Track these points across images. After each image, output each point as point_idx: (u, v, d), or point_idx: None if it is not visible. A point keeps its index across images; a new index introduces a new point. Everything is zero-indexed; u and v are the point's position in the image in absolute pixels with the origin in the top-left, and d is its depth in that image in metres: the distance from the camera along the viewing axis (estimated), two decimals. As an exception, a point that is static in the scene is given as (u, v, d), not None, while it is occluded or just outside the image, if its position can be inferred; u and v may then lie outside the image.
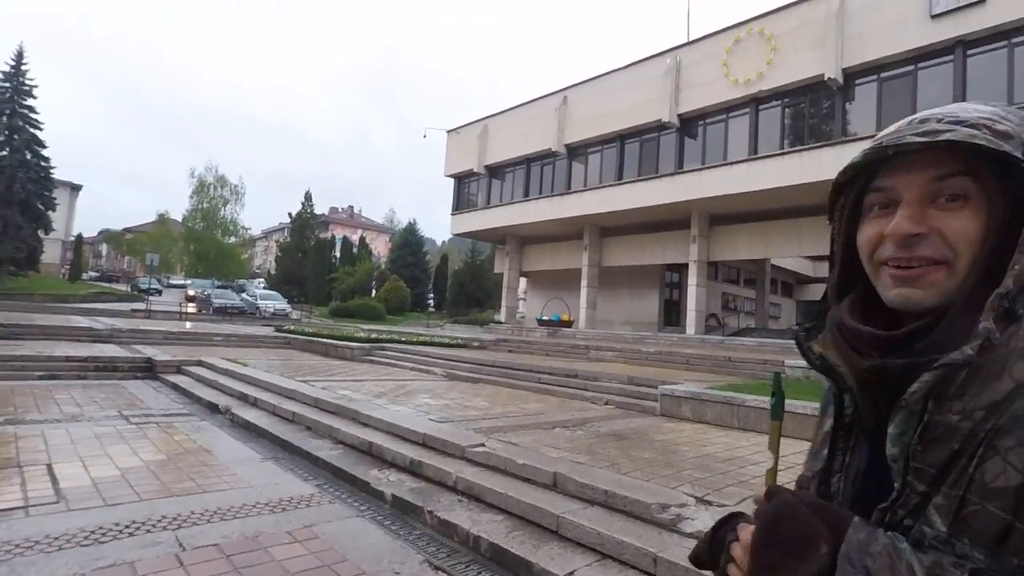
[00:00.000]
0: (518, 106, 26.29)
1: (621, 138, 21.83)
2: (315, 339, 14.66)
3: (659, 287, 25.71)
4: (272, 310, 28.49)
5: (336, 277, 42.78)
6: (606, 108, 21.90)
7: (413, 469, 4.48)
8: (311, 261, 46.39)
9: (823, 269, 35.81)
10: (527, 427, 5.59)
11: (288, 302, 33.85)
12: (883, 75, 15.52)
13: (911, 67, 15.03)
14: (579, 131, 23.14)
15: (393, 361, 12.27)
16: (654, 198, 20.35)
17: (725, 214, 20.28)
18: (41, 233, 35.10)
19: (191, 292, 34.15)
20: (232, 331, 16.41)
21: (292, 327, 18.55)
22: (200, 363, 9.94)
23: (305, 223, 51.07)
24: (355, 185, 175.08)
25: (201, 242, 39.88)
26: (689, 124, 19.77)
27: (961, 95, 14.09)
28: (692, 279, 21.02)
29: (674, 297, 26.75)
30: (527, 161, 26.00)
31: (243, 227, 43.30)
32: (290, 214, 52.91)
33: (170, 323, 18.39)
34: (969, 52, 14.14)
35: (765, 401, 6.06)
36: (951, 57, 14.34)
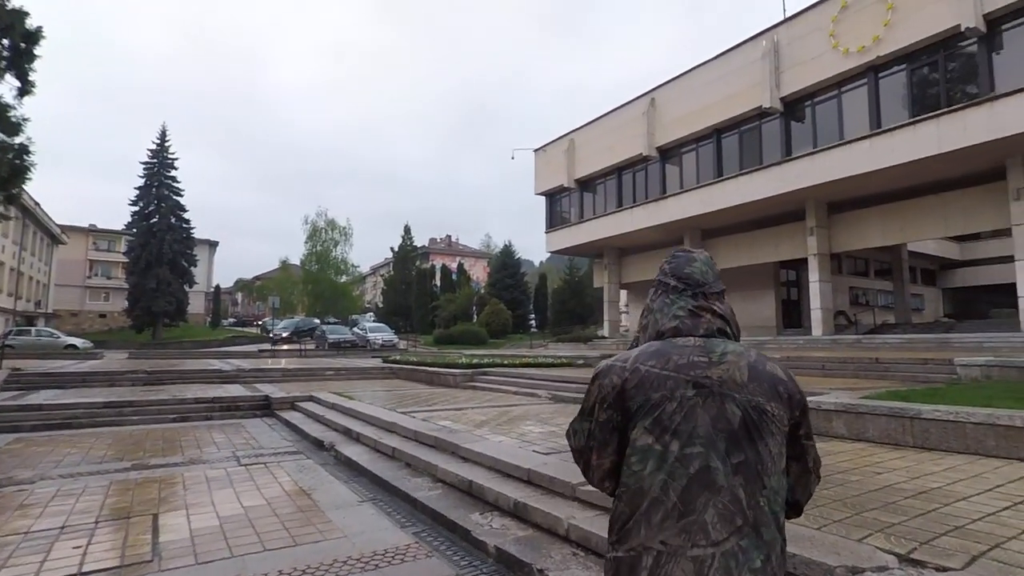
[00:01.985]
0: (603, 116, 25.62)
1: (717, 132, 20.42)
2: (418, 368, 14.70)
3: (774, 287, 23.57)
4: (381, 342, 29.56)
5: (438, 305, 43.93)
6: (697, 104, 20.65)
7: (518, 513, 3.91)
8: (414, 291, 48.11)
9: (975, 250, 31.29)
10: (647, 456, 4.85)
11: (395, 332, 35.07)
12: (1036, 14, 13.13)
13: (1073, -2, 12.58)
14: (670, 132, 21.99)
15: (496, 386, 11.89)
16: (760, 191, 18.71)
17: (846, 199, 18.15)
18: (187, 287, 39.51)
19: (281, 332, 34.07)
20: (343, 365, 16.95)
21: (398, 357, 18.89)
22: (312, 398, 10.12)
23: (406, 255, 53.23)
24: (451, 216, 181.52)
25: (317, 282, 42.78)
26: (794, 107, 18.04)
27: None
28: (813, 275, 18.97)
29: (792, 296, 24.42)
30: (618, 170, 25.16)
31: (353, 265, 46.03)
32: (392, 248, 55.47)
33: (288, 359, 19.43)
34: None
35: (948, 412, 4.86)
36: None
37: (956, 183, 16.04)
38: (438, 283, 51.51)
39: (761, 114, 18.60)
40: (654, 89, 22.59)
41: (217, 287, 53.56)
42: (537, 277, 54.82)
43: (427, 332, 41.98)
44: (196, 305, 48.07)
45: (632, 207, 24.08)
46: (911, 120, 15.02)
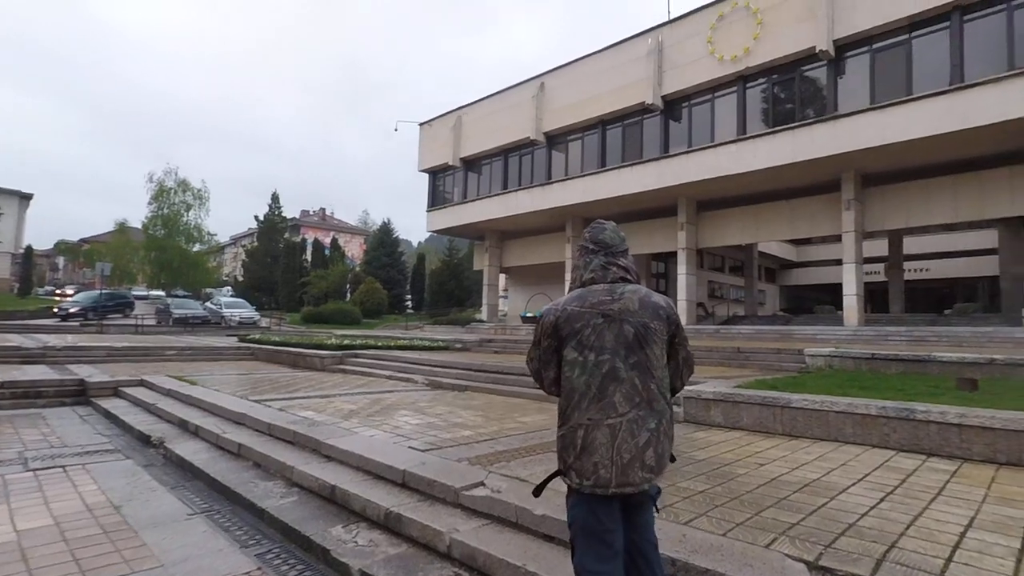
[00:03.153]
0: (493, 95, 25.15)
1: (603, 123, 20.85)
2: (281, 348, 13.34)
3: (645, 277, 24.83)
4: (239, 318, 26.87)
5: (308, 281, 41.09)
6: (586, 93, 20.91)
7: (390, 525, 3.32)
8: (281, 266, 44.59)
9: (808, 253, 35.45)
10: (533, 450, 4.48)
11: (257, 309, 32.18)
12: (875, 46, 14.77)
13: (905, 36, 14.30)
14: (558, 118, 22.10)
15: (369, 369, 11.05)
16: (639, 185, 19.43)
17: (714, 199, 19.45)
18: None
19: (69, 308, 25.80)
20: (189, 344, 14.95)
21: (258, 336, 17.12)
22: (142, 383, 8.61)
23: (273, 226, 49.18)
24: (328, 189, 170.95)
25: (164, 250, 37.79)
26: (674, 106, 18.87)
27: (959, 62, 13.39)
28: (681, 268, 20.18)
29: (661, 287, 25.93)
30: (504, 152, 24.89)
31: (209, 233, 41.27)
32: (257, 217, 50.88)
33: (121, 338, 16.79)
34: (966, 17, 13.45)
35: (815, 401, 5.04)
36: (948, 23, 13.63)
37: (803, 191, 17.79)
38: (309, 258, 48.24)
39: (644, 110, 19.25)
40: (544, 74, 22.55)
41: (29, 248, 45.34)
42: (415, 257, 53.48)
43: (295, 310, 39.14)
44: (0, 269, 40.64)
45: (517, 190, 23.99)
46: (771, 130, 16.32)
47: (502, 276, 30.93)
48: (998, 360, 7.09)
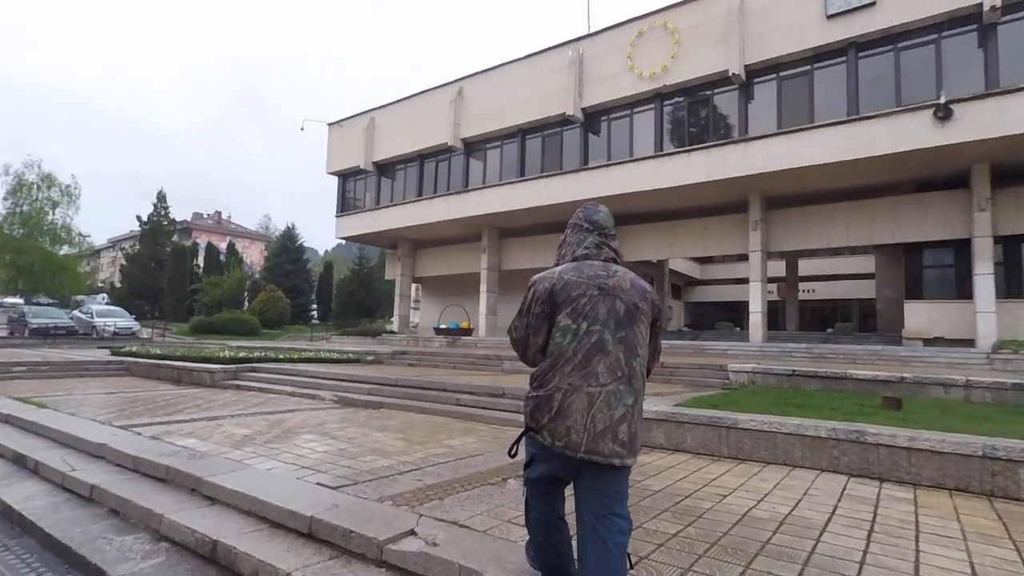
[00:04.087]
0: (409, 97, 24.33)
1: (522, 133, 20.66)
2: (163, 362, 11.68)
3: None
4: (114, 329, 23.81)
5: (200, 289, 37.59)
6: (506, 101, 20.64)
7: (293, 597, 2.54)
8: (167, 272, 40.57)
9: (710, 272, 37.35)
10: (468, 483, 3.83)
11: (137, 319, 28.85)
12: (782, 74, 15.64)
13: (808, 67, 15.25)
14: (477, 125, 21.66)
15: (268, 385, 9.84)
16: (558, 196, 19.33)
17: (630, 214, 19.73)
18: None
19: None
20: (48, 358, 12.82)
21: (135, 348, 15.06)
22: (-27, 405, 6.97)
23: (159, 228, 44.80)
24: (224, 194, 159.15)
25: (22, 252, 32.97)
26: (594, 119, 19.02)
27: (855, 94, 14.42)
28: (598, 281, 20.23)
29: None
30: (420, 157, 24.07)
31: (80, 234, 36.63)
32: (139, 218, 46.05)
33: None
34: (861, 54, 14.54)
35: (764, 422, 4.78)
36: (844, 58, 14.67)
37: (714, 210, 18.49)
38: (201, 264, 44.33)
39: (564, 121, 19.26)
40: (464, 79, 22.07)
41: None
42: (323, 266, 50.81)
43: (183, 320, 35.62)
44: None
45: (433, 198, 23.21)
46: (687, 148, 16.81)
47: (415, 286, 29.89)
48: (908, 378, 7.35)
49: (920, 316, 15.70)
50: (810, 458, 4.50)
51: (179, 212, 51.87)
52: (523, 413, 2.01)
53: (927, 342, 15.06)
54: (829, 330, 24.01)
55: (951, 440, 3.98)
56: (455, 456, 4.68)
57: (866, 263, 29.71)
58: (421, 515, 3.08)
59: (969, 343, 14.24)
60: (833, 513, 3.31)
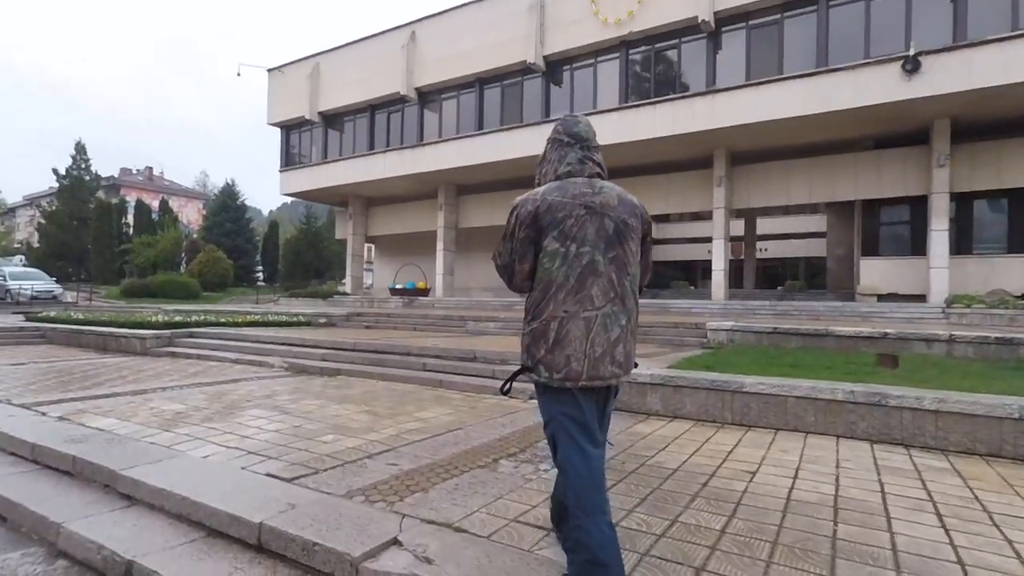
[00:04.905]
0: (357, 41, 22.60)
1: (480, 82, 19.52)
2: (86, 328, 10.44)
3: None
4: (32, 293, 21.69)
5: (131, 249, 34.95)
6: (462, 47, 19.37)
7: (237, 645, 1.88)
8: (92, 230, 37.49)
9: (666, 231, 37.45)
10: (451, 466, 3.21)
11: (59, 282, 26.50)
12: (752, 22, 15.10)
13: (779, 15, 14.75)
14: (431, 73, 20.33)
15: (209, 352, 8.88)
16: (519, 150, 18.47)
17: (592, 169, 19.11)
18: None
19: None
20: (-53, 323, 11.27)
21: (54, 314, 13.56)
22: None
23: (79, 183, 41.13)
24: (158, 150, 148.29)
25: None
26: (556, 68, 18.08)
27: (824, 46, 14.07)
28: (559, 239, 19.69)
29: (535, 260, 25.53)
30: (371, 108, 22.56)
31: (-11, 189, 33.10)
32: (56, 171, 42.00)
33: None
34: (832, 3, 14.13)
35: (772, 385, 4.35)
36: (816, 7, 14.23)
37: (678, 166, 18.10)
38: (131, 223, 41.20)
39: (525, 70, 18.24)
40: (416, 21, 20.55)
41: None
42: (267, 225, 48.29)
43: (113, 283, 33.16)
44: None
45: (385, 151, 21.87)
46: (653, 100, 16.20)
47: (369, 246, 28.63)
48: (891, 334, 7.16)
49: (875, 273, 15.95)
50: (823, 423, 4.11)
51: (106, 169, 47.73)
52: (521, 351, 1.94)
53: (881, 298, 15.35)
54: (780, 288, 24.42)
55: (984, 402, 3.63)
56: (431, 432, 4.05)
57: (816, 222, 30.36)
58: (404, 515, 2.44)
59: (921, 298, 14.58)
60: (883, 491, 2.88)
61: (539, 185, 2.00)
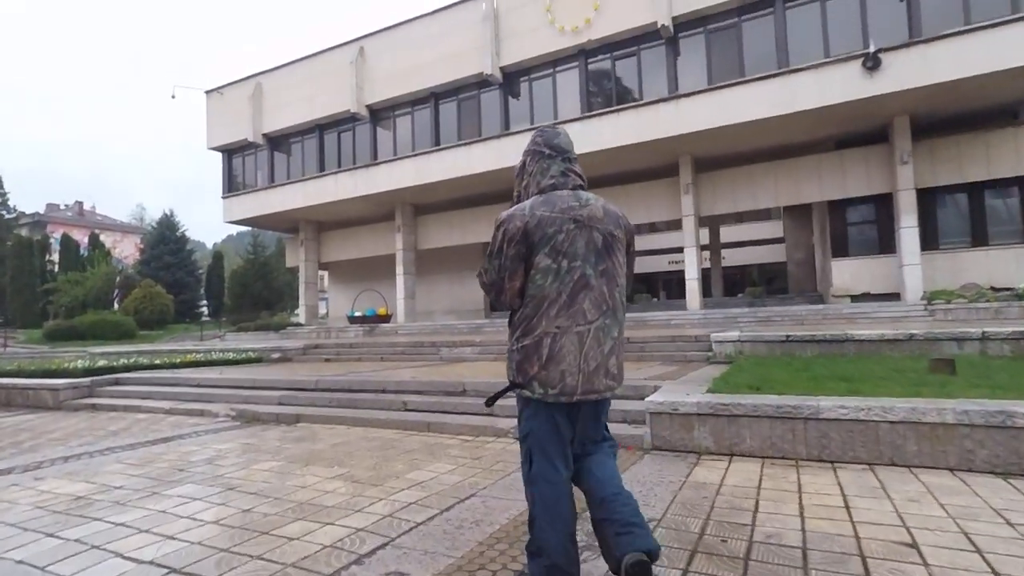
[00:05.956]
0: (301, 59, 21.45)
1: (435, 96, 18.67)
2: (-14, 382, 8.78)
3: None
4: (-65, 343, 19.17)
5: (56, 288, 32.04)
6: (415, 61, 18.52)
7: None
8: (10, 270, 34.31)
9: (640, 243, 37.27)
10: (479, 568, 2.18)
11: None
12: (710, 26, 14.85)
13: (736, 18, 14.55)
14: (383, 89, 19.36)
15: (137, 402, 7.48)
16: (477, 165, 17.67)
17: (556, 182, 18.46)
18: None
19: None
20: None
21: (-47, 366, 11.63)
22: None
23: (-3, 220, 37.82)
24: (88, 186, 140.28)
25: None
26: (513, 79, 17.43)
27: (784, 47, 13.92)
28: (526, 256, 18.85)
29: (499, 280, 24.60)
30: (319, 127, 21.35)
31: None
32: (-33, 207, 38.49)
33: None
34: (788, 5, 14.02)
35: (859, 408, 3.50)
36: (772, 9, 14.10)
37: (642, 175, 17.65)
38: (56, 260, 38.02)
39: (482, 82, 17.51)
40: (364, 37, 19.57)
41: None
42: (211, 257, 45.66)
43: (37, 326, 30.23)
44: None
45: (337, 172, 20.62)
46: (615, 108, 15.70)
47: (323, 273, 27.06)
48: (917, 335, 6.54)
49: (845, 274, 15.77)
50: (930, 454, 3.29)
51: (30, 204, 44.11)
52: (508, 369, 1.89)
53: (854, 298, 15.15)
54: (740, 295, 24.25)
55: None
56: (436, 504, 3.00)
57: (771, 228, 30.75)
58: None
59: (894, 296, 14.42)
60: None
61: (519, 198, 1.98)
